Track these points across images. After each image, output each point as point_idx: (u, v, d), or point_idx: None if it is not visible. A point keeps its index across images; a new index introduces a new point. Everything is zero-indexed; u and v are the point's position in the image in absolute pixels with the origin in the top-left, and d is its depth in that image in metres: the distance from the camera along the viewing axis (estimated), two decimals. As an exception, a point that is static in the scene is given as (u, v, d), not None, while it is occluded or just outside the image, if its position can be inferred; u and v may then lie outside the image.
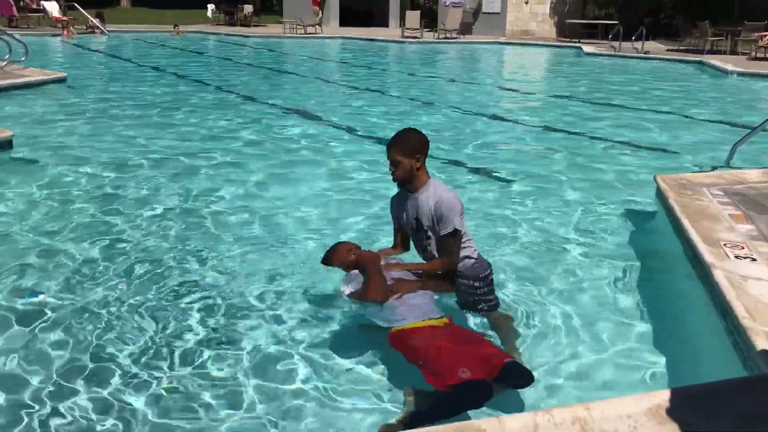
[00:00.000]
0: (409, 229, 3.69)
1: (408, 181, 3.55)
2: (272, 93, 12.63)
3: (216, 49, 22.01)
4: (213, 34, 26.37)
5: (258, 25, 30.95)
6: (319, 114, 10.24)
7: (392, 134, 3.57)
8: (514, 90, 14.18)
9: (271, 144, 8.09)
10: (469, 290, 3.58)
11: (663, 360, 3.19)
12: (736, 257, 3.76)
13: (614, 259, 4.51)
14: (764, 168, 6.07)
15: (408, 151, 3.48)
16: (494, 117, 10.30)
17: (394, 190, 3.78)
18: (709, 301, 3.42)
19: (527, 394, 2.84)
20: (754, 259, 3.75)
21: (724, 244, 3.95)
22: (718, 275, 3.47)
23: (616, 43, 20.46)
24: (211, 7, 32.11)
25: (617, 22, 24.08)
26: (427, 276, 3.59)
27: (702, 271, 3.69)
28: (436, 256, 3.59)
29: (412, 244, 3.78)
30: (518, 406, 2.77)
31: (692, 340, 3.46)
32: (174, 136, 8.39)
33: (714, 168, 6.79)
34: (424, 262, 3.67)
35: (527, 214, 5.49)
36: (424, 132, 3.58)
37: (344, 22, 31.76)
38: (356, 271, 3.51)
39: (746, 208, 4.75)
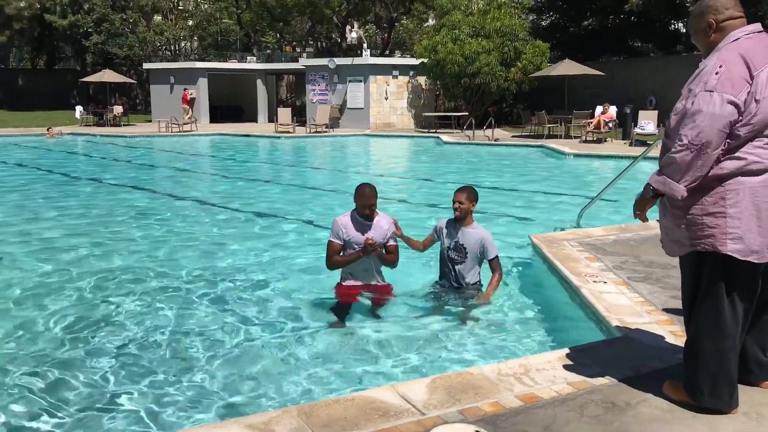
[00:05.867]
0: (445, 247, 5.72)
1: (463, 218, 5.64)
2: (168, 188, 13.81)
3: (96, 150, 22.62)
4: (88, 135, 26.77)
5: (128, 125, 31.56)
6: (216, 203, 11.61)
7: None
8: (387, 175, 16.15)
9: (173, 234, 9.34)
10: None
11: (561, 336, 4.95)
12: (594, 282, 5.58)
13: (515, 293, 6.23)
14: (604, 226, 8.14)
15: (471, 198, 5.66)
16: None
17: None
18: (579, 308, 5.20)
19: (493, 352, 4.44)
20: (605, 282, 5.59)
21: (585, 275, 5.78)
22: (585, 291, 5.25)
23: (469, 132, 23.28)
24: (79, 108, 32.47)
25: (467, 113, 27.22)
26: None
27: (573, 291, 5.48)
28: (463, 269, 5.70)
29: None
30: (487, 360, 4.42)
31: (573, 327, 5.20)
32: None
33: (573, 227, 8.74)
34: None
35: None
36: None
37: (213, 119, 33.19)
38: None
39: (595, 253, 6.66)
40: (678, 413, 3.32)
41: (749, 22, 3.21)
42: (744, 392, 3.38)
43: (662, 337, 4.28)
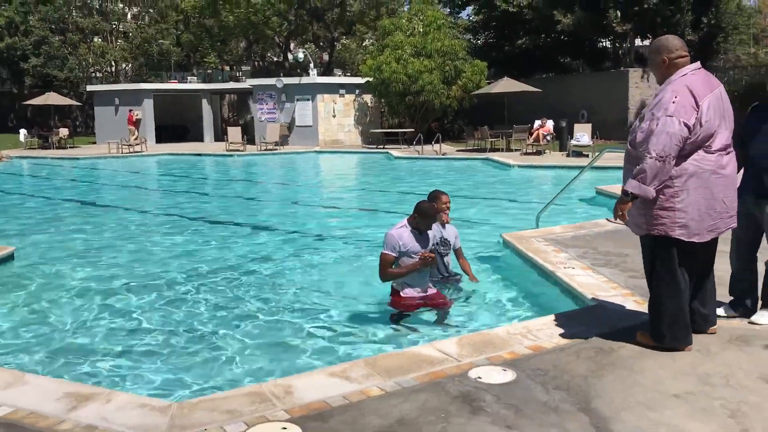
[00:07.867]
0: (434, 243, 6.50)
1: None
2: (155, 205, 14.43)
3: (58, 173, 22.41)
4: (39, 158, 26.68)
5: (73, 147, 31.47)
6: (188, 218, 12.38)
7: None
8: (350, 189, 17.10)
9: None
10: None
11: (545, 308, 6.00)
12: (564, 267, 6.68)
13: (497, 280, 7.27)
14: (562, 225, 9.30)
15: None
16: (333, 207, 12.99)
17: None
18: (556, 287, 6.29)
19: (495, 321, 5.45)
20: (573, 268, 6.69)
21: (556, 263, 6.88)
22: (560, 274, 6.35)
23: (418, 147, 24.44)
24: (23, 131, 32.20)
25: (413, 129, 28.45)
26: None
27: (548, 275, 6.56)
28: (448, 259, 6.68)
29: None
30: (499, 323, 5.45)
31: (552, 302, 6.21)
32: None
33: (533, 228, 9.87)
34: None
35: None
36: None
37: (158, 139, 33.39)
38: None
39: (559, 246, 7.78)
40: (648, 353, 4.40)
41: None
42: (695, 337, 4.48)
43: (628, 304, 5.38)
